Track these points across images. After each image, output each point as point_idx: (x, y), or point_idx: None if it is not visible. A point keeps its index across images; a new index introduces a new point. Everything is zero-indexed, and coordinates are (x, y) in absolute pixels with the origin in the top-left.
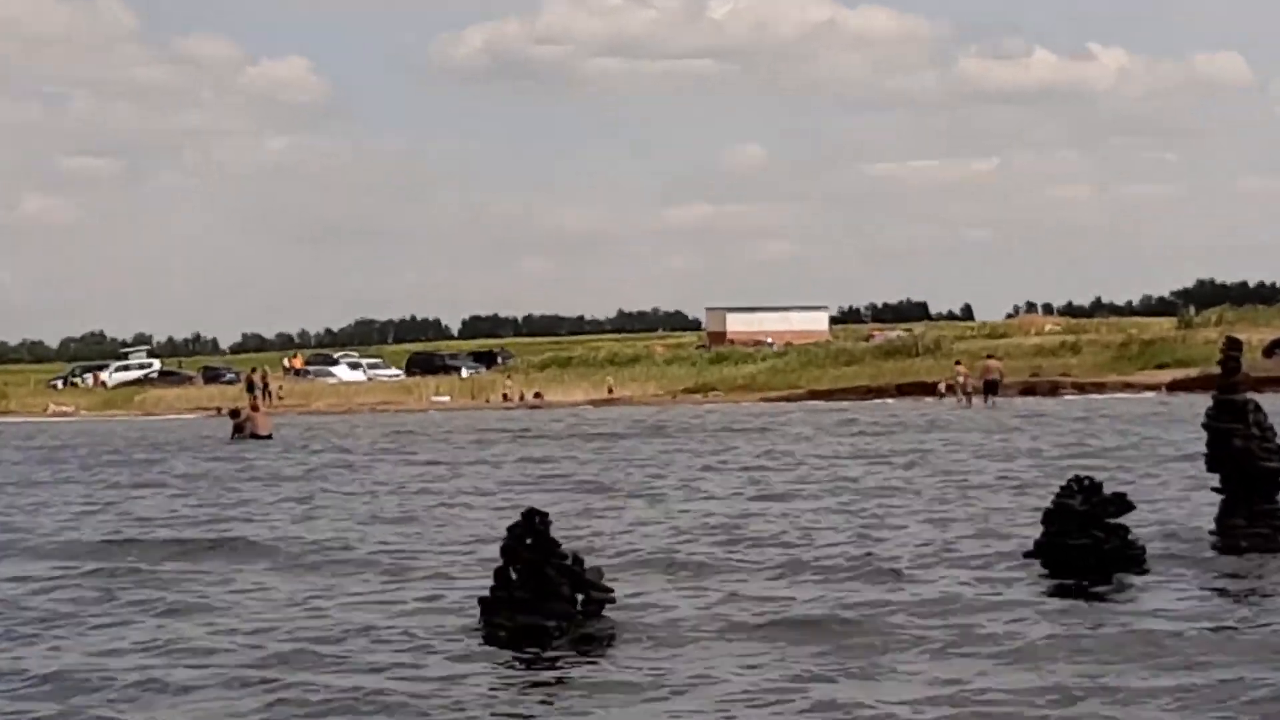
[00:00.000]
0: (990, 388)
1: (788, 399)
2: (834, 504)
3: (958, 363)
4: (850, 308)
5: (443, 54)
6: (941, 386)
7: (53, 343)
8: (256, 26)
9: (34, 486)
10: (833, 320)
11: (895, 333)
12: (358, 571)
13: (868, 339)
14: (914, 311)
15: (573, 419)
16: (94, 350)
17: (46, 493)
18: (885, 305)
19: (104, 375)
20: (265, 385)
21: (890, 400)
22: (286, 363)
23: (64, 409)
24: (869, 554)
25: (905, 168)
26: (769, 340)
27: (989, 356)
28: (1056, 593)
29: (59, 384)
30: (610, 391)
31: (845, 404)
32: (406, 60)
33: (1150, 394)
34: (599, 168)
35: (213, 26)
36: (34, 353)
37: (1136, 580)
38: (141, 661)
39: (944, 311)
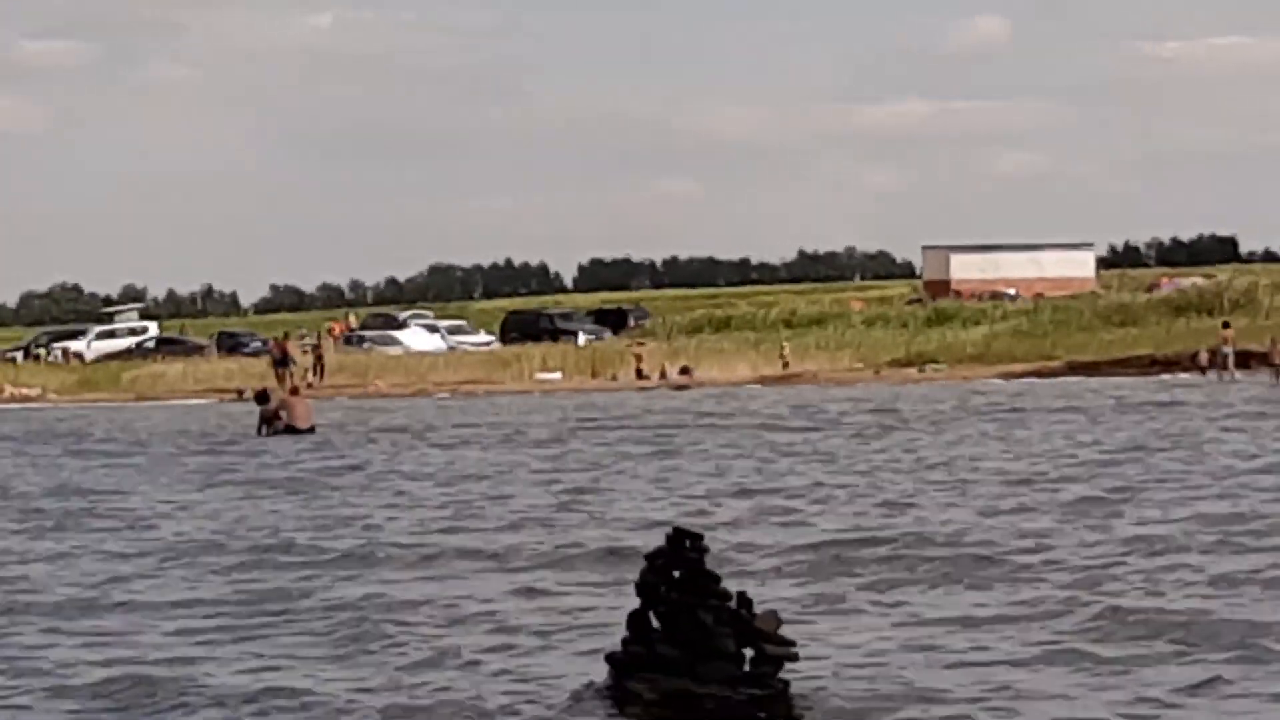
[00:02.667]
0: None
1: (1037, 373)
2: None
3: (1226, 325)
4: (1126, 245)
5: None
6: (1202, 356)
7: (8, 299)
8: None
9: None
10: (1101, 263)
11: (1190, 280)
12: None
13: (1151, 289)
14: (1216, 250)
15: (735, 403)
16: (66, 310)
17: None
18: (1175, 242)
19: (80, 345)
20: (319, 357)
21: (1184, 374)
22: (333, 328)
23: (25, 391)
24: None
25: (1202, 47)
26: (1011, 291)
27: (1225, 325)
28: None
29: (18, 357)
30: (785, 365)
31: (1121, 380)
32: None
33: None
34: (767, 50)
35: None
36: None
37: None
38: None
39: (1259, 250)
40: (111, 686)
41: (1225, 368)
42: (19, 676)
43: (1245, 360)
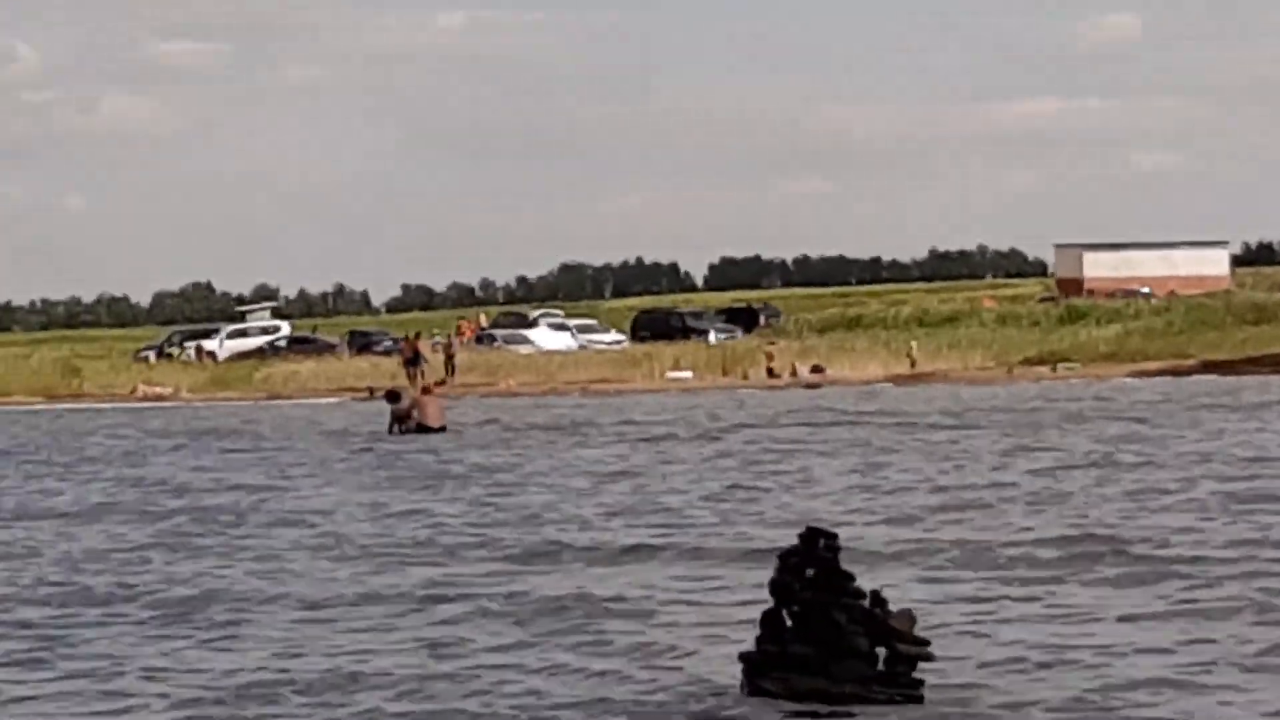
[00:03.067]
0: None
1: (1171, 372)
2: None
3: None
4: (1262, 243)
5: None
6: None
7: (142, 299)
8: None
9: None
10: (1236, 261)
11: None
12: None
13: None
14: None
15: (869, 401)
16: (199, 309)
17: None
18: None
19: (213, 344)
20: (451, 357)
21: None
22: (462, 328)
23: (159, 390)
24: None
25: None
26: (1144, 289)
27: None
28: None
29: (150, 356)
30: (912, 364)
31: (1252, 380)
32: None
33: None
34: (898, 49)
35: None
36: (116, 313)
37: None
38: None
39: None
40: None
41: None
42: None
43: None
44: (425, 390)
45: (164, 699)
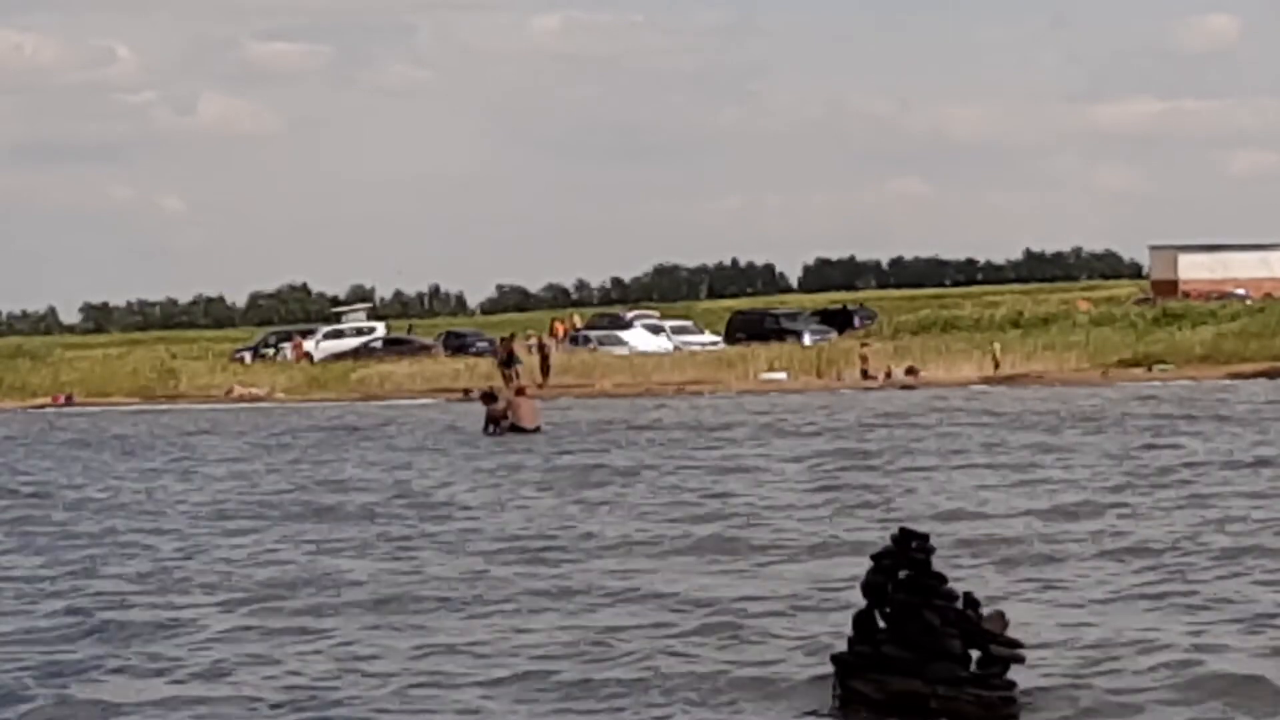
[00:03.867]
0: None
1: (1267, 374)
2: None
3: None
4: None
5: None
6: None
7: (238, 299)
8: None
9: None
10: None
11: None
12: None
13: None
14: None
15: (972, 402)
16: (294, 310)
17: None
18: None
19: (309, 344)
20: (545, 357)
21: None
22: (556, 328)
23: (254, 390)
24: None
25: None
26: (1241, 291)
27: None
28: None
29: (246, 356)
30: (996, 365)
31: None
32: None
33: None
34: (998, 50)
35: None
36: (212, 313)
37: None
38: None
39: None
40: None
41: None
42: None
43: None
44: (519, 391)
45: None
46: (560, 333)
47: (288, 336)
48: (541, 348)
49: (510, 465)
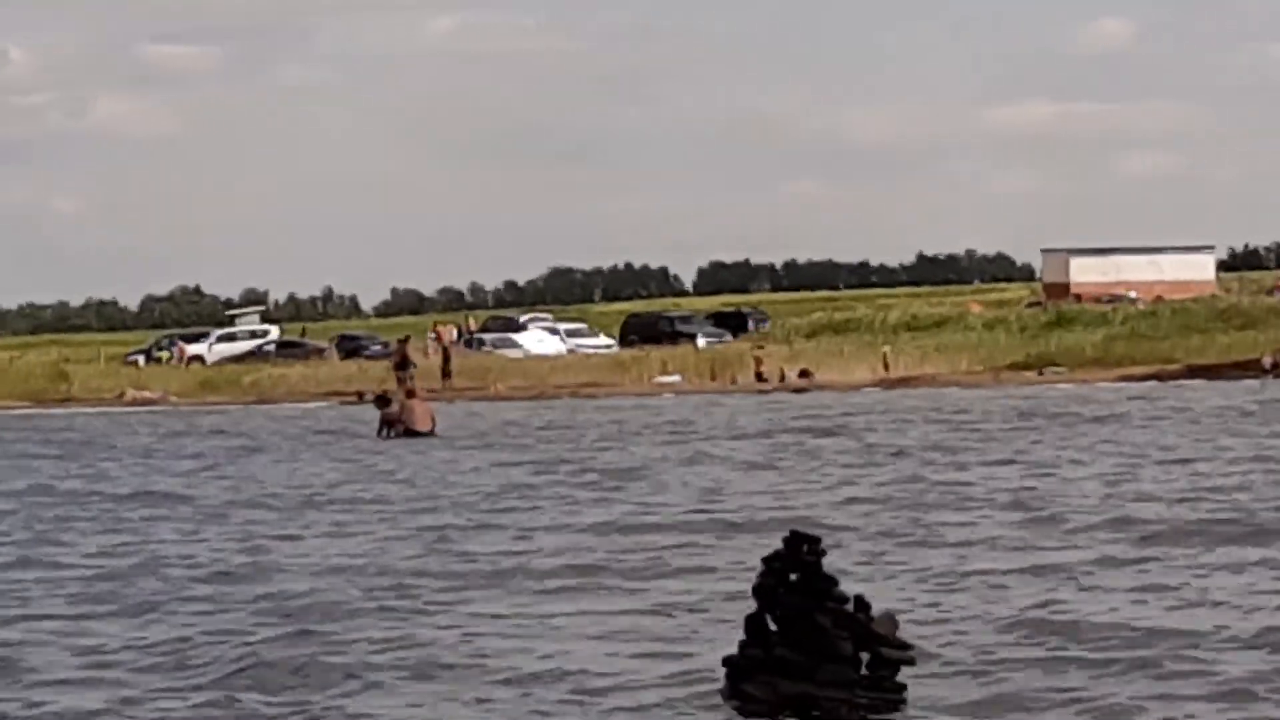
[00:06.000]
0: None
1: (1157, 376)
2: None
3: None
4: (1247, 247)
5: None
6: (1266, 360)
7: (130, 303)
8: None
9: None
10: (1222, 266)
11: None
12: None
13: (1272, 292)
14: None
15: (856, 403)
16: (188, 313)
17: None
18: None
19: (202, 348)
20: (446, 357)
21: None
22: (439, 332)
23: (147, 394)
24: None
25: None
26: (1131, 294)
27: None
28: None
29: (140, 360)
30: (886, 368)
31: (1236, 384)
32: None
33: None
34: (896, 54)
35: None
36: (105, 317)
37: None
38: None
39: None
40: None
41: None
42: None
43: None
44: (410, 394)
45: None
46: (443, 337)
47: (182, 339)
48: (444, 349)
49: (402, 468)
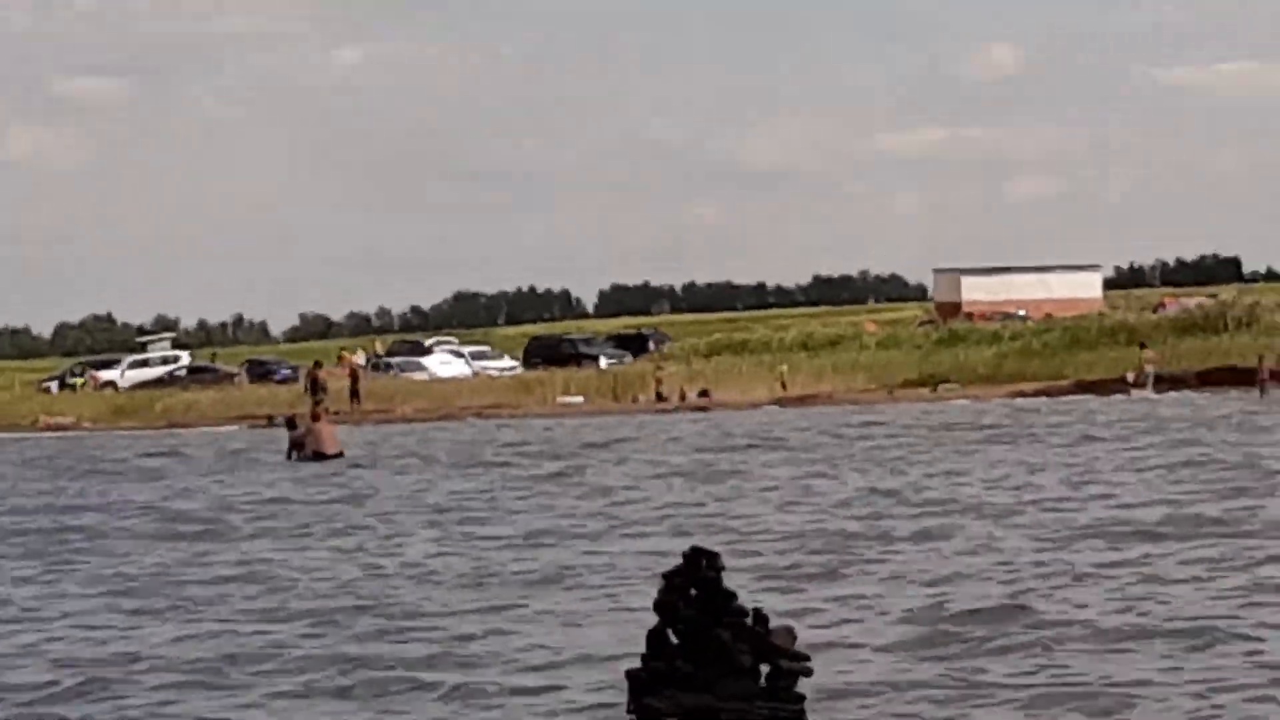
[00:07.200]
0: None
1: (1046, 392)
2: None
3: (1143, 345)
4: (1133, 266)
5: None
6: (1129, 377)
7: (44, 330)
8: None
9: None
10: (1108, 284)
11: (1195, 300)
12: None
13: (1156, 309)
14: (1221, 271)
15: (761, 422)
16: (100, 340)
17: None
18: (1180, 263)
19: (115, 374)
20: (355, 380)
21: (1191, 393)
22: (344, 357)
23: (61, 419)
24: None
25: (1210, 73)
26: (1020, 312)
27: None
28: None
29: (53, 386)
30: (783, 386)
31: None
32: None
33: None
34: (790, 79)
35: None
36: (18, 344)
37: None
38: None
39: (1263, 270)
40: None
41: (1145, 386)
42: None
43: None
44: (316, 417)
45: None
46: (346, 361)
47: (93, 367)
48: (352, 373)
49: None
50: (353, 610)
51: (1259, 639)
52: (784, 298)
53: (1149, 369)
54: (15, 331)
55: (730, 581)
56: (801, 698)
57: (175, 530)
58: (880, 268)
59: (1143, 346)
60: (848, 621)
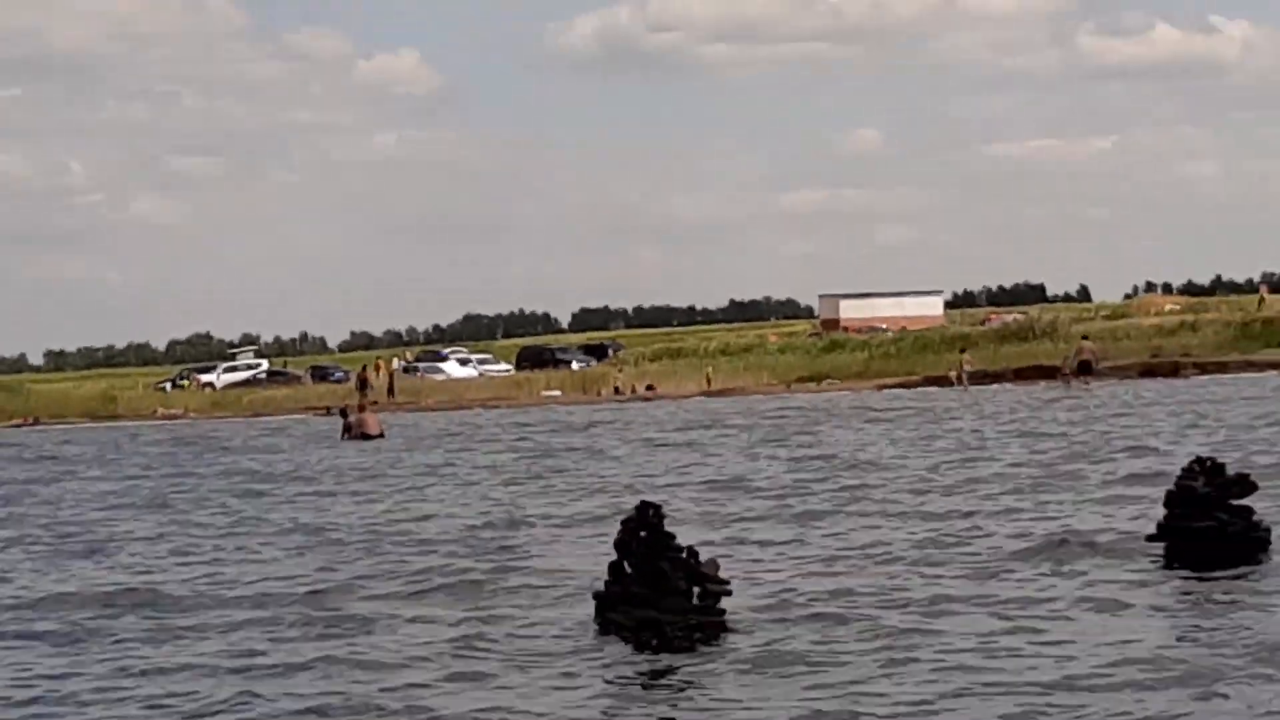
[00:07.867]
0: (1084, 368)
1: (903, 385)
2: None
3: (963, 350)
4: (965, 291)
5: (554, 43)
6: (952, 375)
7: (160, 345)
8: (367, 19)
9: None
10: (948, 305)
11: (1012, 316)
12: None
13: (984, 323)
14: (1030, 294)
15: (689, 409)
16: (201, 352)
17: None
18: (1001, 288)
19: (211, 376)
20: (391, 379)
21: (1010, 385)
22: (378, 365)
23: (173, 411)
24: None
25: (1024, 147)
26: (883, 326)
27: (1084, 338)
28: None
29: (167, 386)
30: (709, 384)
31: (961, 390)
32: (517, 50)
33: (1275, 373)
34: (712, 154)
35: (322, 21)
36: (141, 355)
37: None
38: None
39: (1060, 293)
40: None
41: (964, 383)
42: None
43: (1050, 374)
44: (362, 408)
45: None
46: (381, 369)
47: (198, 371)
48: (390, 375)
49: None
50: (390, 533)
51: None
52: (709, 317)
53: (966, 368)
54: (139, 345)
55: (671, 524)
56: (723, 611)
57: (272, 479)
58: (779, 294)
59: (963, 351)
60: (759, 551)
